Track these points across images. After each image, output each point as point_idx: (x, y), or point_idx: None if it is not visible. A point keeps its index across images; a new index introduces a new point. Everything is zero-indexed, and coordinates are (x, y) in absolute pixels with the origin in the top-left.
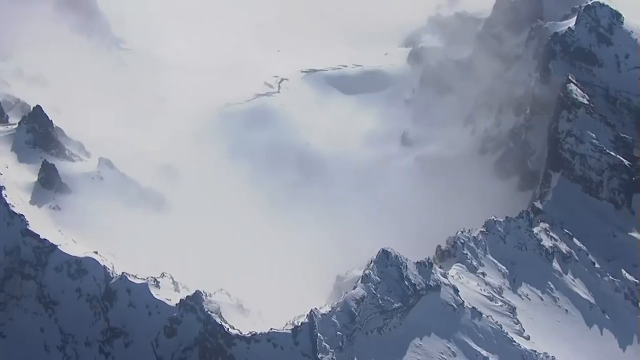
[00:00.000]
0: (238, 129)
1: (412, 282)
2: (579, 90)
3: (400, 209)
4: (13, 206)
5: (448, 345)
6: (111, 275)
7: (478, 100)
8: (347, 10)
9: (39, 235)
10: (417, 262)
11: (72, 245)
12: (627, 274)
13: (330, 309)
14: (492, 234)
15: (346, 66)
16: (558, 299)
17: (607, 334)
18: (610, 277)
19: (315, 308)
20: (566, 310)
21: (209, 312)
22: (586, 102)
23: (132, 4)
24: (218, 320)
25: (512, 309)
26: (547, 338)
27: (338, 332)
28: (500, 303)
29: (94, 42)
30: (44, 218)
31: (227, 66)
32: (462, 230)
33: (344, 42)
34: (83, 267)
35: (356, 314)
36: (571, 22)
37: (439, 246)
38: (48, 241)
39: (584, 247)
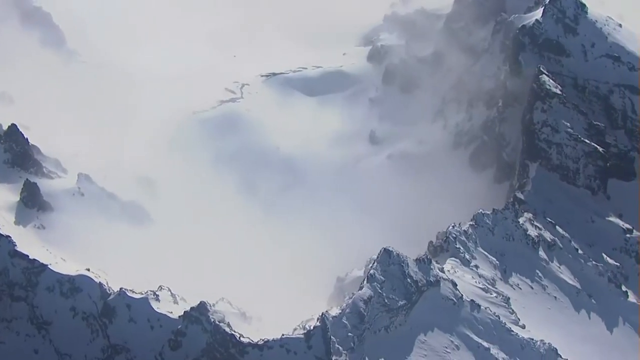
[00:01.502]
0: (208, 136)
1: (414, 279)
2: (551, 80)
3: (380, 207)
4: None
5: (451, 339)
6: (108, 291)
7: (446, 95)
8: (300, 13)
9: (28, 256)
10: (417, 258)
11: (62, 263)
12: (608, 258)
13: (340, 311)
14: (480, 227)
15: (306, 68)
16: (547, 286)
17: (594, 318)
18: (594, 262)
19: (326, 311)
20: (555, 297)
21: (217, 322)
22: (559, 92)
23: (83, 15)
24: (227, 329)
25: (507, 300)
26: (539, 326)
27: (349, 334)
28: (494, 294)
29: (52, 57)
30: (30, 238)
31: (185, 74)
32: (452, 224)
33: (299, 44)
34: (76, 285)
35: (365, 314)
36: (536, 15)
37: (431, 242)
38: (38, 261)
39: (567, 235)
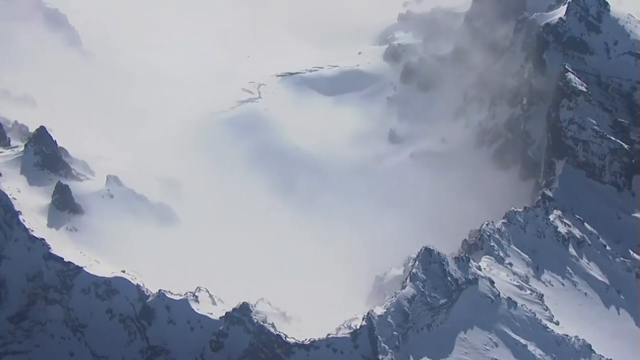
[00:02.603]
0: (230, 137)
1: (454, 277)
2: (577, 78)
3: (409, 206)
4: (32, 230)
5: (489, 336)
6: (146, 293)
7: (468, 94)
8: (309, 12)
9: (63, 259)
10: (455, 257)
11: (97, 266)
12: (634, 254)
13: (385, 310)
14: (513, 225)
15: (322, 67)
16: (577, 283)
17: (623, 314)
18: (622, 258)
19: (372, 310)
20: (585, 293)
21: (261, 323)
22: (585, 89)
23: (97, 17)
24: (272, 330)
25: (540, 296)
26: (572, 322)
27: (394, 332)
28: (528, 291)
29: (69, 58)
30: (63, 240)
31: (199, 74)
32: (486, 222)
33: (312, 44)
34: (113, 287)
35: (409, 312)
36: (559, 13)
37: (465, 240)
38: (73, 264)
39: (595, 231)
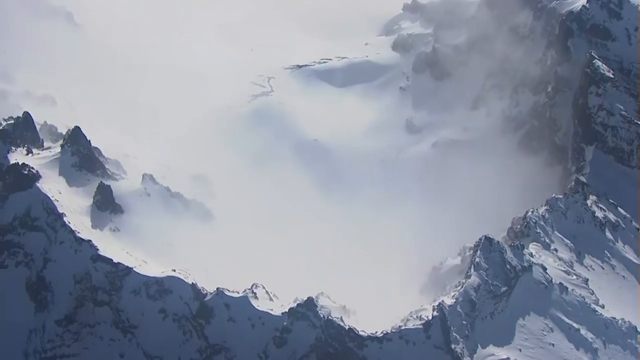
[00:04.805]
0: (247, 131)
1: (512, 265)
2: (604, 65)
3: (443, 195)
4: (79, 232)
5: (545, 322)
6: (202, 292)
7: (486, 82)
8: (315, 4)
9: (112, 260)
10: (511, 245)
11: (145, 266)
12: None
13: (454, 300)
14: (555, 211)
15: (331, 59)
16: (615, 266)
17: None
18: None
19: (442, 300)
20: (623, 276)
21: (329, 317)
22: (612, 76)
23: (102, 14)
24: (342, 324)
25: (586, 281)
26: (613, 305)
27: (463, 322)
28: (574, 276)
29: (79, 56)
30: (109, 241)
31: (206, 69)
32: (531, 209)
33: (317, 36)
34: (166, 286)
35: (476, 301)
36: (579, 1)
37: (511, 227)
38: (123, 264)
39: (628, 215)
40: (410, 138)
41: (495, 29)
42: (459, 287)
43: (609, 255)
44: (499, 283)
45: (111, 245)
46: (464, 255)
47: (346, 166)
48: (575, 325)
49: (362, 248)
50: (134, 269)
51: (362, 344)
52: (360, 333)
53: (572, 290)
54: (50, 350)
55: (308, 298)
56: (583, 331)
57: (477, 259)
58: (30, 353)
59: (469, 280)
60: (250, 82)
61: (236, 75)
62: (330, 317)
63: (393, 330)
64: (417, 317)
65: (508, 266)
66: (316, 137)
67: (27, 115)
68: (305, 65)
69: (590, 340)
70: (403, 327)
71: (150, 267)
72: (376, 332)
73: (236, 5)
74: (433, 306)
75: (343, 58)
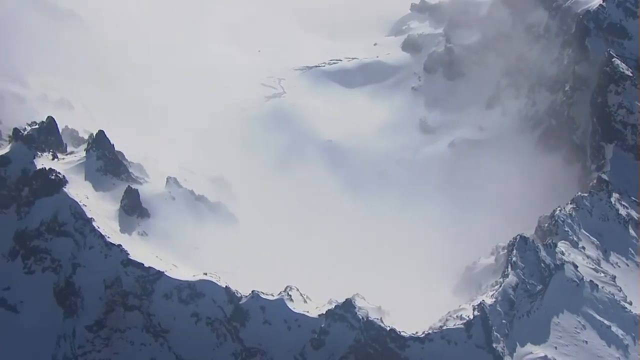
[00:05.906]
0: (262, 133)
1: (547, 263)
2: (622, 64)
3: (466, 195)
4: (109, 237)
5: (578, 319)
6: (237, 295)
7: (502, 81)
8: (322, 4)
9: (143, 264)
10: (544, 243)
11: (175, 270)
12: None
13: (494, 300)
14: (581, 209)
15: (340, 60)
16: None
17: None
18: None
19: (483, 300)
20: None
21: (369, 318)
22: (631, 74)
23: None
24: (382, 324)
25: (613, 278)
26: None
27: (503, 320)
28: (602, 274)
29: (89, 60)
30: (138, 245)
31: (214, 70)
32: (559, 208)
33: (325, 36)
34: (198, 290)
35: (514, 300)
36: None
37: (539, 226)
38: (154, 269)
39: None
40: (425, 138)
41: (510, 28)
42: (496, 287)
43: (633, 252)
44: (534, 282)
45: (140, 250)
46: (497, 255)
47: (363, 166)
48: (606, 322)
49: (389, 248)
50: (165, 273)
51: (404, 345)
52: (402, 334)
53: (602, 287)
54: (81, 355)
55: (346, 299)
56: (614, 328)
57: (514, 258)
58: (60, 359)
59: (507, 279)
60: (261, 84)
61: (246, 77)
62: (370, 318)
63: (434, 331)
64: (457, 317)
65: (542, 265)
66: (330, 138)
67: (51, 119)
68: (315, 66)
69: (621, 337)
70: (444, 327)
71: (180, 270)
72: (417, 332)
73: (241, 6)
74: (473, 306)
75: (353, 59)
